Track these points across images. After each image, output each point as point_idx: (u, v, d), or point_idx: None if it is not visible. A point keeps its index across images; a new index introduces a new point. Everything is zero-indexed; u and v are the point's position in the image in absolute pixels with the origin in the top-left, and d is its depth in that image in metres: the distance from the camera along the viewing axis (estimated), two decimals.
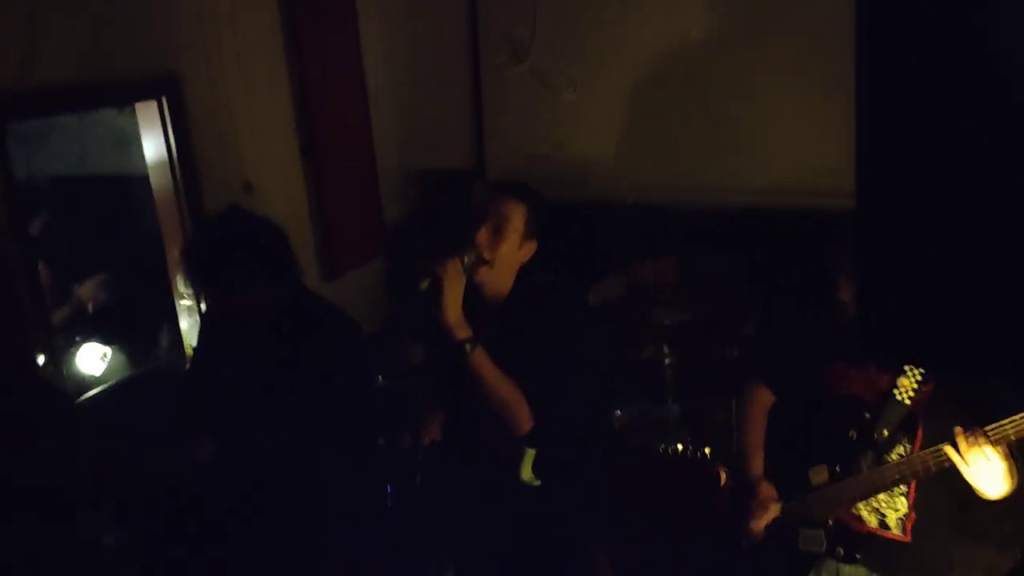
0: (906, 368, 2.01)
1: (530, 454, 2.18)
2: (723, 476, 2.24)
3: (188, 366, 2.97)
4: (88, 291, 3.76)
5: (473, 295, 2.11)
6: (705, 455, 2.67)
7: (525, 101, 3.96)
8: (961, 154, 1.10)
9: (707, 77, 3.56)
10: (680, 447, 2.81)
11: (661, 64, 3.64)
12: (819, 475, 2.10)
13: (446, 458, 2.31)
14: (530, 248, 2.16)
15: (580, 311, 2.31)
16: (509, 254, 2.11)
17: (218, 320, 2.48)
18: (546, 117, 3.94)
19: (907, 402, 2.00)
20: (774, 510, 2.15)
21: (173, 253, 3.25)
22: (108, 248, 4.03)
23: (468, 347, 1.97)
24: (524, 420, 2.02)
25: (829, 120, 3.43)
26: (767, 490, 2.16)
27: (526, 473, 2.20)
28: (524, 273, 2.20)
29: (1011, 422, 1.76)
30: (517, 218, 2.10)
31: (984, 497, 1.85)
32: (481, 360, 1.98)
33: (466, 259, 2.08)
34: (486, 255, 2.08)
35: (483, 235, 2.08)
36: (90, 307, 3.89)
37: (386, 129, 4.09)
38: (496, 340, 2.08)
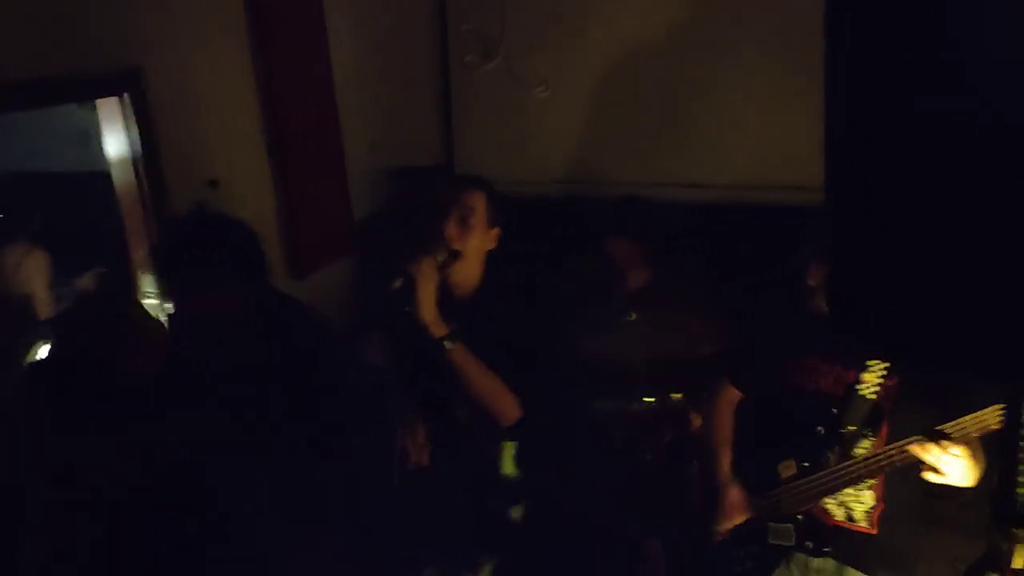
0: (869, 363, 2.04)
1: (509, 447, 2.19)
2: (697, 420, 2.26)
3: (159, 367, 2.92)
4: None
5: (446, 289, 2.12)
6: (674, 401, 2.70)
7: (494, 97, 3.96)
8: (933, 141, 1.11)
9: (674, 73, 3.58)
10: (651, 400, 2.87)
11: (629, 60, 3.66)
12: (787, 469, 2.12)
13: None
14: (494, 235, 2.20)
15: (552, 300, 2.32)
16: (477, 243, 2.14)
17: (187, 322, 2.44)
18: (515, 113, 3.94)
19: (871, 397, 2.03)
20: (741, 515, 2.18)
21: (138, 252, 3.21)
22: (67, 246, 3.97)
23: (448, 343, 1.98)
24: (510, 411, 2.05)
25: (794, 115, 3.48)
26: (735, 494, 2.19)
27: (507, 467, 2.21)
28: (493, 263, 2.22)
29: (972, 419, 1.79)
30: (480, 207, 2.14)
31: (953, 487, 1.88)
32: (462, 355, 1.99)
33: (438, 256, 2.09)
34: (457, 247, 2.10)
35: (451, 228, 2.11)
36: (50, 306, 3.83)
37: (354, 126, 4.06)
38: (472, 331, 2.10)
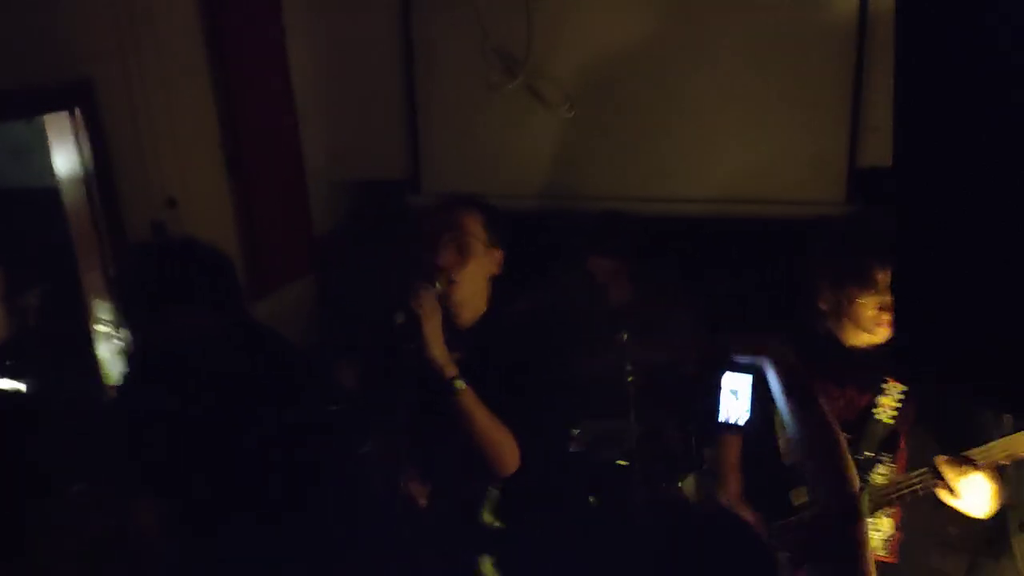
0: (884, 387, 2.00)
1: (493, 494, 2.07)
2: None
3: (112, 399, 2.74)
4: None
5: (447, 319, 1.98)
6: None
7: (462, 109, 3.84)
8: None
9: (654, 86, 3.55)
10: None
11: (608, 73, 3.59)
12: (800, 497, 2.06)
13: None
14: (497, 257, 2.06)
15: (555, 337, 2.21)
16: (477, 269, 2.01)
17: (153, 351, 2.28)
18: (484, 126, 3.83)
19: (889, 421, 1.98)
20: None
21: (88, 275, 3.00)
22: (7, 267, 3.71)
23: (458, 385, 1.84)
24: (511, 460, 1.90)
25: (777, 128, 3.47)
26: (746, 515, 2.11)
27: (487, 515, 2.08)
28: (497, 293, 2.10)
29: (1001, 445, 1.75)
30: (477, 229, 2.00)
31: (972, 515, 1.84)
32: (470, 399, 1.85)
33: (438, 285, 1.96)
34: (455, 276, 1.97)
35: (447, 256, 1.97)
36: None
37: (314, 139, 3.91)
38: (473, 363, 1.98)
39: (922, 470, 1.85)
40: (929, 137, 1.19)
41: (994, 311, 1.12)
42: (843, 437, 1.59)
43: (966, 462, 1.77)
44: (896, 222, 1.22)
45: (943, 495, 1.82)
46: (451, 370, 1.84)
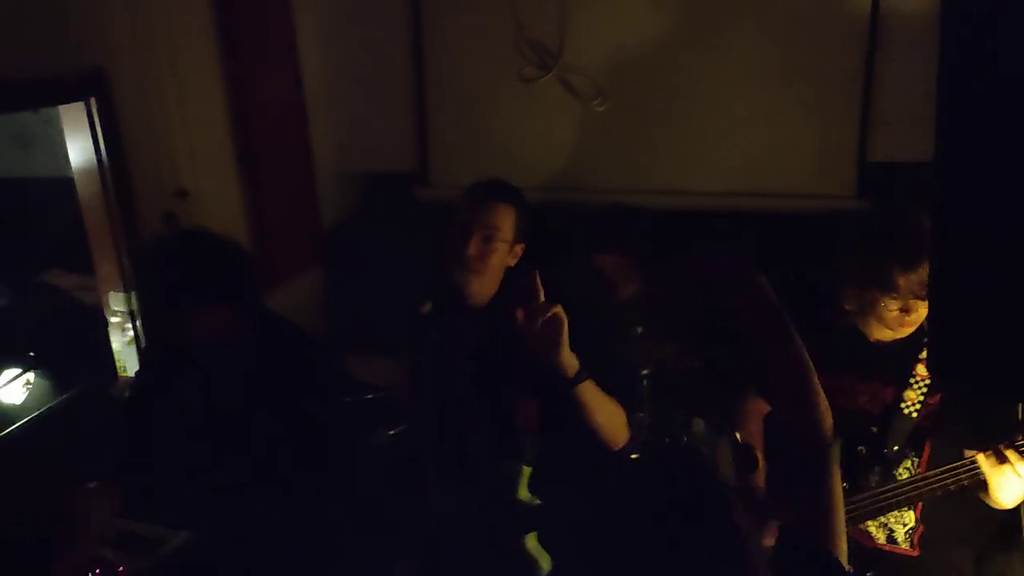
0: (911, 380, 2.01)
1: (526, 472, 2.09)
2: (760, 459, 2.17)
3: (129, 393, 2.73)
4: None
5: (459, 301, 2.02)
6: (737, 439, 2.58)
7: (473, 101, 3.83)
8: None
9: (662, 77, 3.53)
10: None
11: (619, 65, 3.58)
12: None
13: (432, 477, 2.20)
14: (518, 252, 2.10)
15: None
16: (498, 263, 2.04)
17: (175, 346, 2.28)
18: (493, 118, 3.82)
19: (914, 415, 2.00)
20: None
21: (103, 266, 2.99)
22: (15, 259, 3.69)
23: (579, 381, 1.85)
24: (624, 433, 1.96)
25: (789, 120, 3.47)
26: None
27: (523, 492, 2.11)
28: (509, 274, 2.13)
29: None
30: (507, 226, 2.04)
31: (1001, 507, 1.85)
32: (590, 390, 1.86)
33: (458, 275, 1.99)
34: (478, 268, 2.00)
35: (473, 248, 2.00)
36: None
37: (323, 130, 3.89)
38: (484, 344, 2.03)
39: (959, 463, 1.86)
40: (974, 141, 1.16)
41: None
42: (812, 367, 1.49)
43: (1000, 456, 1.78)
44: (934, 231, 1.19)
45: (992, 488, 1.82)
46: (573, 368, 1.83)
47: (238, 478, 2.14)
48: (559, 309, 1.79)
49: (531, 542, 2.14)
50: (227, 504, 2.15)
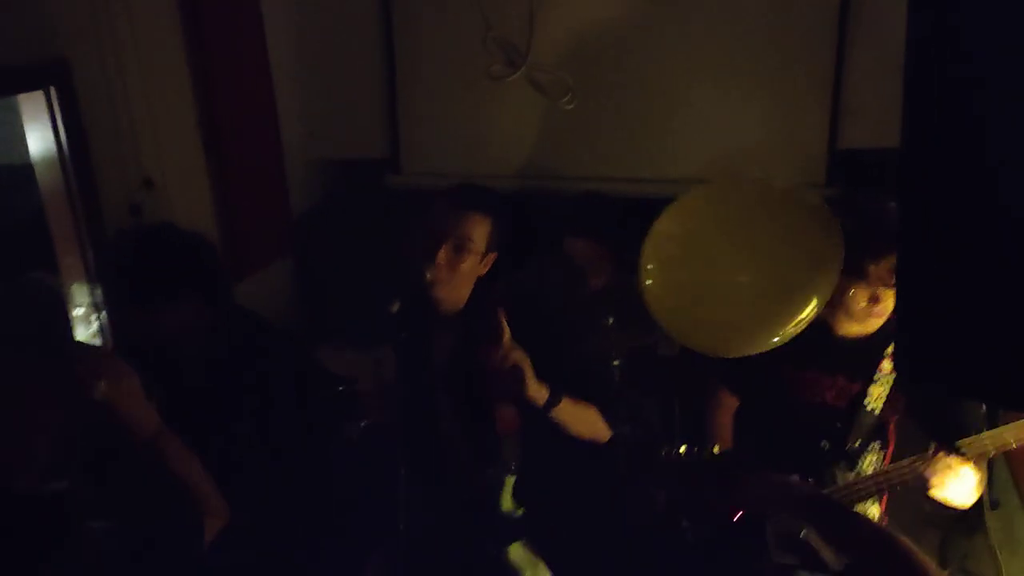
0: (875, 376, 2.03)
1: (509, 481, 2.08)
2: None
3: None
4: None
5: (429, 307, 2.00)
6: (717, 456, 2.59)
7: (440, 88, 3.80)
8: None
9: (638, 63, 3.51)
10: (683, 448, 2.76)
11: (589, 54, 3.57)
12: None
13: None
14: (489, 261, 2.07)
15: (541, 320, 2.22)
16: (469, 271, 2.02)
17: (139, 343, 2.25)
18: (463, 104, 3.79)
19: (877, 411, 2.02)
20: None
21: (66, 259, 2.94)
22: None
23: (553, 405, 1.87)
24: (604, 431, 1.99)
25: (766, 108, 3.48)
26: None
27: (507, 502, 2.10)
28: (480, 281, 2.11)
29: (991, 436, 1.79)
30: (479, 236, 2.00)
31: (951, 506, 1.88)
32: (566, 407, 1.90)
33: (428, 276, 1.97)
34: (444, 275, 1.98)
35: (443, 255, 1.97)
36: None
37: (292, 117, 3.84)
38: (457, 350, 2.01)
39: (911, 459, 1.89)
40: (939, 130, 1.15)
41: (1001, 316, 1.12)
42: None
43: (955, 453, 1.80)
44: (901, 219, 1.19)
45: (931, 492, 1.85)
46: (543, 395, 1.86)
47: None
48: (519, 355, 1.82)
49: (514, 552, 2.14)
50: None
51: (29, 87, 2.69)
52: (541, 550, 2.09)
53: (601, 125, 3.64)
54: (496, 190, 2.17)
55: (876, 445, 2.03)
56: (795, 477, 2.04)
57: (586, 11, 3.53)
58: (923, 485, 1.87)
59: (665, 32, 3.46)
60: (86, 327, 2.98)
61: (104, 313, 2.93)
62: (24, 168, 2.95)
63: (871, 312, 1.94)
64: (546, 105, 3.67)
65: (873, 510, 2.04)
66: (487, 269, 2.07)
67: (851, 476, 2.01)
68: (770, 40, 3.39)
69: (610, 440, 2.05)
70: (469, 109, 3.77)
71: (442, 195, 2.05)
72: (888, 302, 1.91)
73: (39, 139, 2.80)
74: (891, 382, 2.01)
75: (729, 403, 2.25)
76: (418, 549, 2.02)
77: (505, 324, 1.83)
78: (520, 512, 2.05)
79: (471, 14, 3.59)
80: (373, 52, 3.83)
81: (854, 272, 1.91)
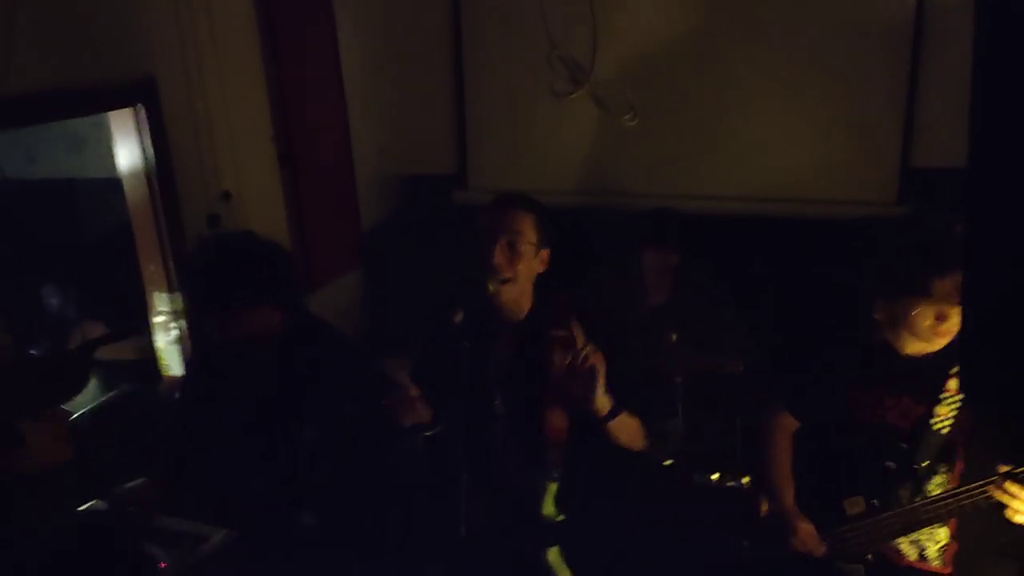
0: (942, 396, 1.99)
1: (552, 488, 2.11)
2: (764, 506, 2.19)
3: (179, 393, 2.81)
4: None
5: (493, 312, 2.05)
6: (743, 486, 2.60)
7: (512, 107, 3.86)
8: None
9: (706, 82, 3.53)
10: (717, 476, 2.75)
11: (660, 71, 3.59)
12: (855, 506, 2.06)
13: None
14: (544, 257, 2.11)
15: (607, 320, 2.25)
16: (526, 269, 2.06)
17: (219, 346, 2.34)
18: (531, 121, 3.85)
19: (945, 431, 1.98)
20: (814, 544, 2.09)
21: (148, 268, 3.07)
22: (55, 259, 3.80)
23: (614, 414, 1.92)
24: (640, 442, 2.04)
25: (833, 127, 3.44)
26: (804, 524, 2.11)
27: (548, 507, 2.12)
28: (541, 285, 2.14)
29: None
30: (529, 230, 2.05)
31: None
32: (620, 420, 1.94)
33: (491, 285, 2.01)
34: (507, 275, 2.02)
35: (499, 255, 2.02)
36: None
37: (363, 134, 3.95)
38: (519, 356, 2.04)
39: (986, 480, 1.83)
40: (1005, 147, 1.13)
41: None
42: None
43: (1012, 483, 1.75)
44: (967, 237, 1.18)
45: (1010, 514, 1.80)
46: (608, 406, 1.91)
47: (279, 477, 2.19)
48: (598, 358, 1.85)
49: (551, 556, 2.16)
50: (268, 503, 2.20)
51: (120, 105, 2.85)
52: (573, 558, 2.10)
53: (664, 142, 3.66)
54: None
55: (944, 467, 1.99)
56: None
57: (650, 29, 3.56)
58: (996, 509, 1.82)
59: (731, 49, 3.47)
60: (166, 334, 3.11)
61: (183, 321, 3.05)
62: (112, 182, 3.10)
63: (936, 331, 1.91)
64: (609, 122, 3.70)
65: (941, 533, 2.00)
66: (545, 267, 2.11)
67: (918, 499, 1.97)
68: (843, 58, 3.36)
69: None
70: (534, 126, 3.83)
71: (484, 206, 2.11)
72: (954, 320, 1.88)
73: (127, 153, 2.95)
74: (958, 402, 1.97)
75: (789, 424, 2.22)
76: (469, 546, 2.06)
77: (579, 328, 1.86)
78: (560, 518, 2.07)
79: (537, 33, 3.65)
80: (441, 71, 3.91)
81: (919, 290, 1.89)
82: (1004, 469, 1.80)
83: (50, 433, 1.97)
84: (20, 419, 1.89)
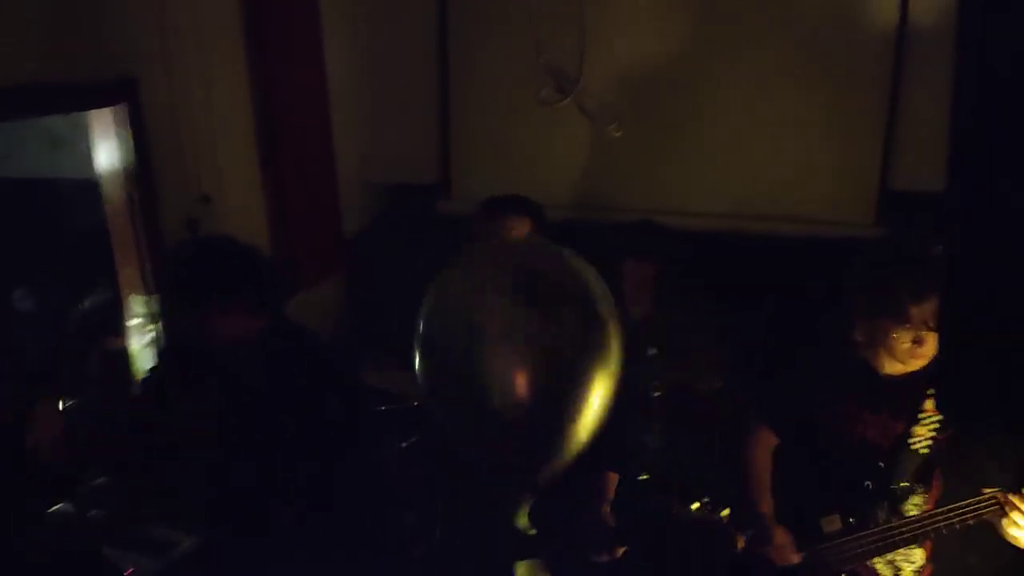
0: (921, 416, 2.00)
1: (529, 501, 2.09)
2: (740, 542, 2.18)
3: (141, 392, 2.78)
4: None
5: None
6: (721, 520, 2.57)
7: (494, 116, 3.85)
8: None
9: (687, 97, 3.54)
10: (697, 506, 2.73)
11: (641, 87, 3.60)
12: (831, 524, 2.06)
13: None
14: None
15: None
16: None
17: (192, 348, 2.31)
18: (517, 133, 3.84)
19: (924, 451, 1.98)
20: (792, 557, 2.09)
21: (125, 269, 3.04)
22: (35, 259, 3.74)
23: None
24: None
25: (816, 146, 3.47)
26: (781, 536, 2.10)
27: (522, 519, 2.11)
28: None
29: None
30: (523, 233, 2.04)
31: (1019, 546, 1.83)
32: None
33: None
34: None
35: None
36: None
37: (347, 140, 3.93)
38: None
39: (966, 502, 1.84)
40: (983, 172, 1.15)
41: None
42: None
43: (1007, 502, 1.76)
44: (946, 260, 1.20)
45: (1007, 533, 1.80)
46: None
47: (252, 482, 2.17)
48: None
49: (520, 570, 2.15)
50: (240, 508, 2.18)
51: (100, 104, 2.81)
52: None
53: (650, 156, 3.66)
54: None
55: (921, 488, 2.00)
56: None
57: (638, 40, 3.57)
58: (966, 528, 1.83)
59: (716, 64, 3.48)
60: (141, 337, 3.07)
61: (160, 324, 3.01)
62: (89, 182, 3.06)
63: (913, 353, 1.91)
64: (596, 133, 3.70)
65: (917, 554, 2.00)
66: None
67: (894, 519, 1.98)
68: (824, 78, 3.38)
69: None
70: (519, 136, 3.82)
71: (478, 211, 2.09)
72: (931, 343, 1.88)
73: (106, 153, 2.91)
74: (936, 423, 1.98)
75: (768, 440, 2.23)
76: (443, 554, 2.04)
77: None
78: (532, 532, 2.05)
79: (524, 41, 3.65)
80: (427, 81, 3.91)
81: (896, 315, 1.89)
82: (989, 492, 1.81)
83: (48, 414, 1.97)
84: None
